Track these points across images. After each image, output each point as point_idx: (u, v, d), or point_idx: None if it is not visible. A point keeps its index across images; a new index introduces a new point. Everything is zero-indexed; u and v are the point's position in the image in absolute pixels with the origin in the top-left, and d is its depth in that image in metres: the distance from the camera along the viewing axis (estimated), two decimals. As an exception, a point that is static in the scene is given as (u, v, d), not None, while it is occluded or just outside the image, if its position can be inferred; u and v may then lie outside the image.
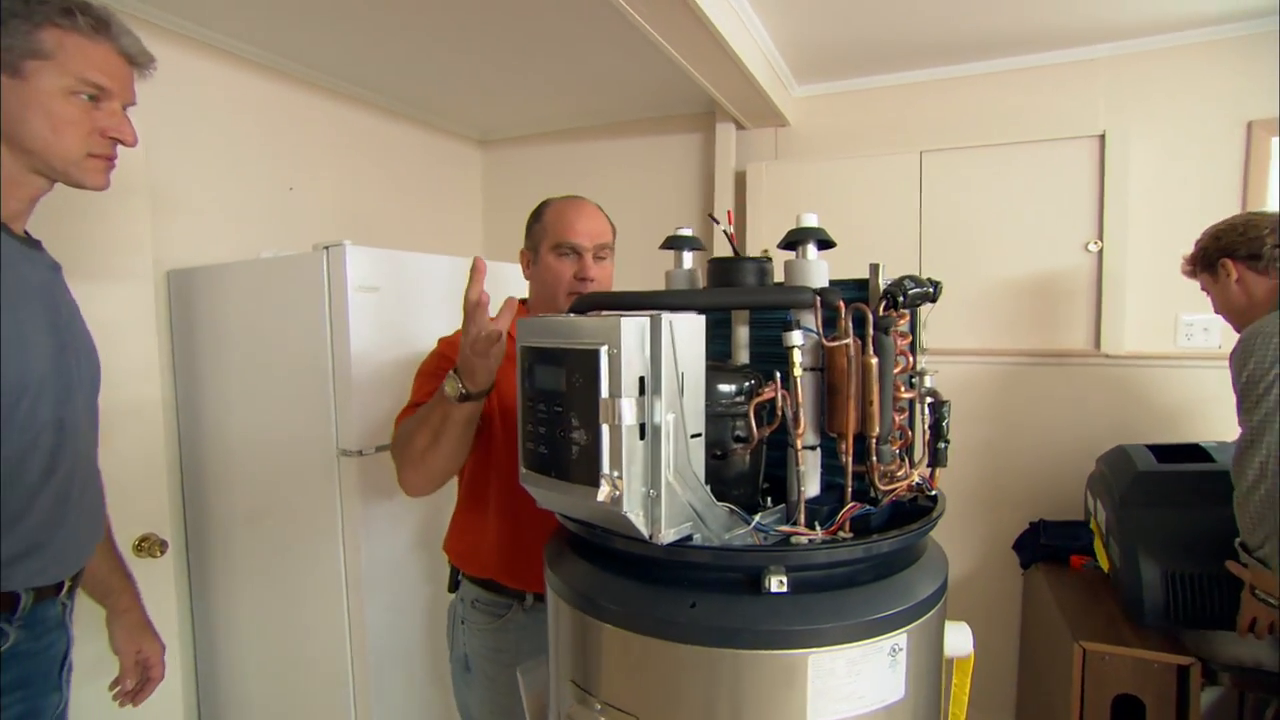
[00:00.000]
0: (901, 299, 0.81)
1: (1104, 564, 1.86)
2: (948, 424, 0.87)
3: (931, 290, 0.84)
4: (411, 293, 1.69)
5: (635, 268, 1.78)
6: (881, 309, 0.82)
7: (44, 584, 0.97)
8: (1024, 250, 2.23)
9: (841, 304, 0.81)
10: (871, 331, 0.79)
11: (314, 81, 2.36)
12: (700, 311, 0.82)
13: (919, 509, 0.87)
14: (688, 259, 0.99)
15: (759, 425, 0.79)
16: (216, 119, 2.06)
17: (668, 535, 0.72)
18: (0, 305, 0.91)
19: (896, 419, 0.88)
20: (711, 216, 0.93)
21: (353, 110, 2.53)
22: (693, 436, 0.74)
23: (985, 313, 2.28)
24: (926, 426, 0.89)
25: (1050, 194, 2.18)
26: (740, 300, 0.85)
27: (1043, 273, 2.21)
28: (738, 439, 0.80)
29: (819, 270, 0.87)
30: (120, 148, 1.01)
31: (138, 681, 1.23)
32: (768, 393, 0.78)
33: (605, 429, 0.70)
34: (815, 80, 2.47)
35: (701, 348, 0.75)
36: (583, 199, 1.38)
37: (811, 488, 0.88)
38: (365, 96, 2.54)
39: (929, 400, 0.89)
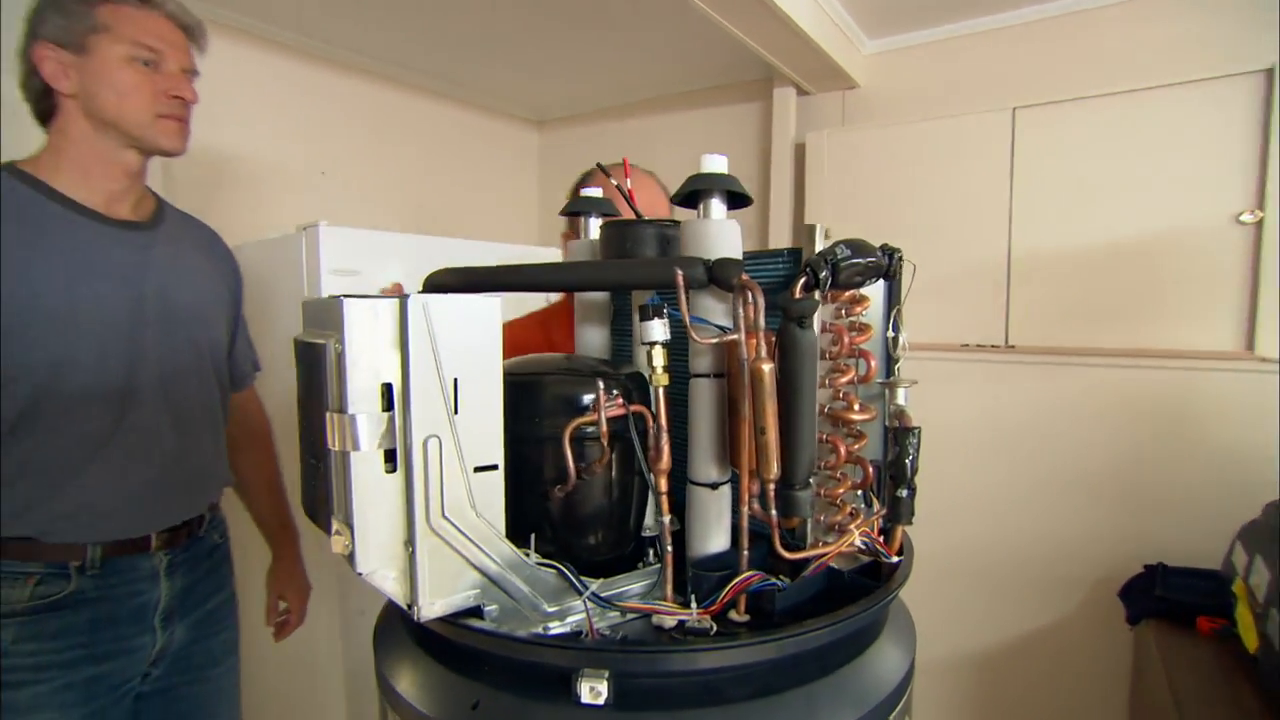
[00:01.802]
0: (826, 275, 0.53)
1: (1248, 640, 1.38)
2: (913, 461, 0.57)
3: (883, 263, 0.55)
4: (395, 276, 1.55)
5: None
6: (798, 289, 0.54)
7: (104, 540, 1.01)
8: (1147, 223, 1.74)
9: (746, 282, 0.54)
10: (760, 323, 0.51)
11: (364, 67, 2.29)
12: (548, 289, 0.58)
13: (860, 585, 0.58)
14: (594, 227, 0.75)
15: (585, 458, 0.55)
16: (268, 105, 2.03)
17: (433, 607, 0.50)
18: (51, 284, 0.95)
19: (843, 450, 0.60)
20: (600, 166, 0.72)
21: (405, 95, 2.45)
22: (479, 469, 0.51)
23: (1093, 302, 1.81)
24: (887, 464, 0.60)
25: (1187, 151, 1.69)
26: (594, 277, 0.60)
27: (1173, 252, 1.72)
28: (565, 476, 0.55)
29: (725, 235, 0.60)
30: None
31: (277, 622, 1.35)
32: (601, 412, 0.52)
33: (332, 456, 0.48)
34: (889, 33, 2.08)
35: (493, 342, 0.51)
36: (636, 169, 1.18)
37: (713, 541, 0.62)
38: (418, 81, 2.45)
39: (896, 425, 0.60)
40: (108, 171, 1.02)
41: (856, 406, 0.62)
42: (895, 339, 0.65)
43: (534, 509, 0.57)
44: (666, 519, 0.54)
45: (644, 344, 0.54)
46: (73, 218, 0.99)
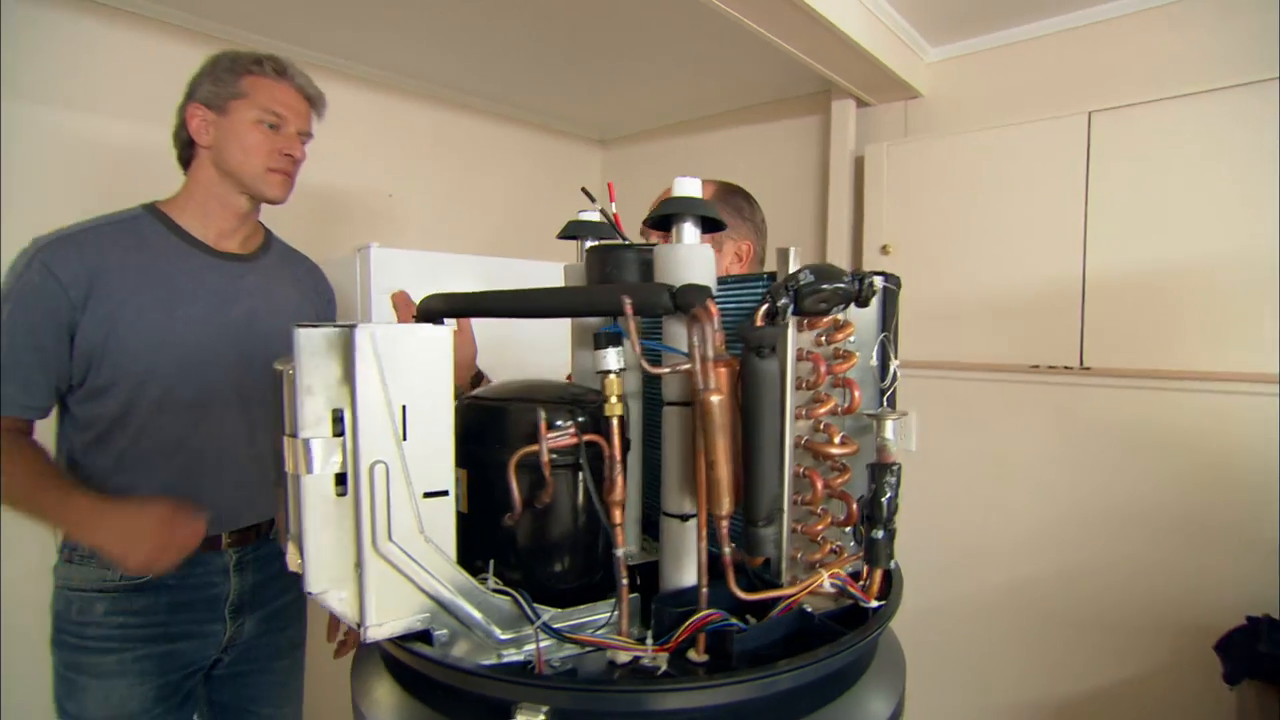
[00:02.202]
0: (786, 303, 0.51)
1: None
2: (890, 501, 0.53)
3: (851, 289, 0.51)
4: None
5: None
6: (759, 317, 0.51)
7: None
8: (1238, 234, 1.56)
9: (710, 309, 0.52)
10: (707, 353, 0.49)
11: (430, 94, 2.40)
12: (520, 316, 0.59)
13: (826, 629, 0.55)
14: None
15: (530, 486, 0.54)
16: (342, 134, 2.16)
17: (380, 629, 0.50)
18: (155, 304, 1.10)
19: (819, 485, 0.57)
20: (585, 191, 0.71)
21: (470, 118, 2.55)
22: (428, 495, 0.51)
23: (1180, 320, 1.64)
24: (863, 503, 0.56)
25: (1291, 156, 1.51)
26: (559, 303, 0.59)
27: (1269, 265, 1.54)
28: (529, 503, 0.55)
29: (696, 260, 0.58)
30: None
31: (338, 640, 1.37)
32: (543, 442, 0.52)
33: (288, 478, 0.50)
34: (952, 39, 1.99)
35: (443, 371, 0.51)
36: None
37: (685, 575, 0.60)
38: (482, 105, 2.55)
39: (874, 461, 0.56)
40: (222, 213, 1.20)
41: (838, 439, 0.58)
42: (884, 368, 0.61)
43: (494, 534, 0.57)
44: (619, 551, 0.52)
45: (598, 373, 0.53)
46: (186, 249, 1.16)
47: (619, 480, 0.52)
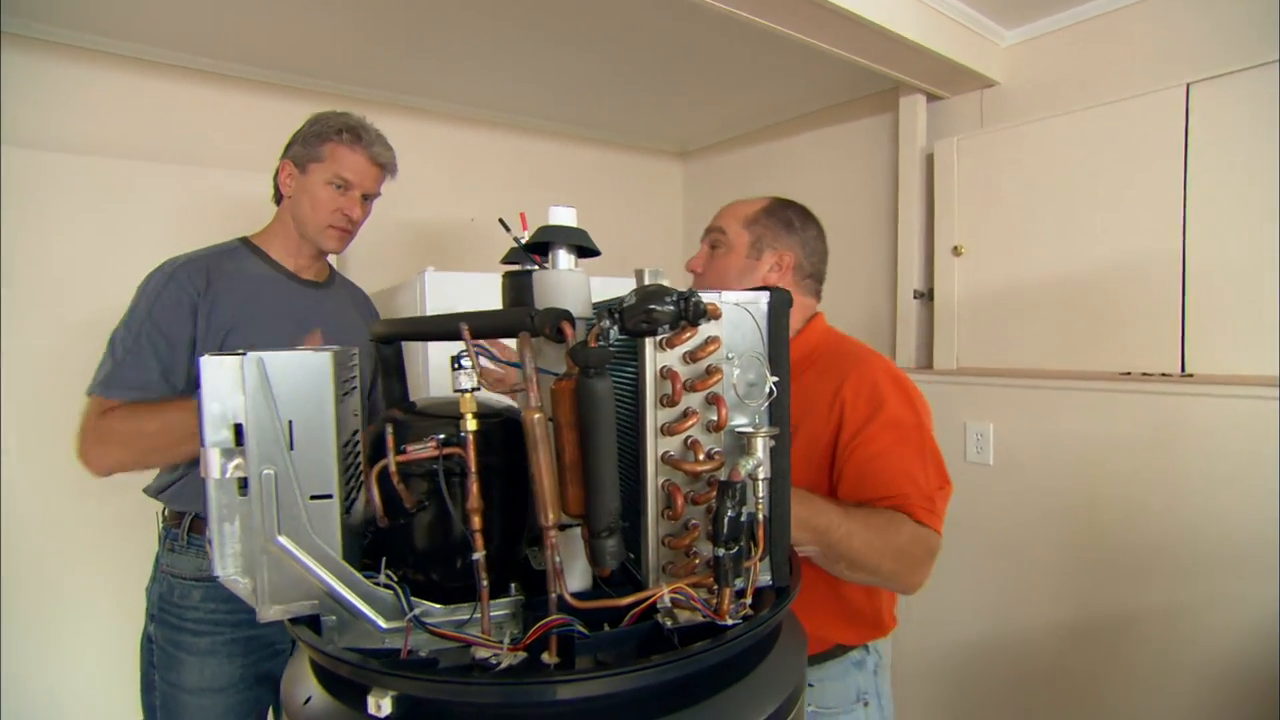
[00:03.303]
0: (608, 324, 0.53)
1: None
2: (733, 520, 0.54)
3: (666, 311, 0.53)
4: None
5: (835, 259, 1.42)
6: (592, 337, 0.54)
7: None
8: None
9: (566, 331, 0.56)
10: (529, 372, 0.52)
11: (514, 123, 2.58)
12: (422, 339, 0.66)
13: (668, 641, 0.55)
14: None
15: (413, 494, 0.59)
16: (428, 167, 2.39)
17: (270, 611, 0.58)
18: (256, 317, 1.27)
19: (679, 499, 0.59)
20: (501, 221, 0.72)
21: (550, 143, 2.70)
22: (315, 498, 0.59)
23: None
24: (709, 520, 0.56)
25: None
26: (448, 328, 0.65)
27: None
28: (397, 510, 0.61)
29: (569, 285, 0.62)
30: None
31: None
32: (390, 455, 0.57)
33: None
34: (1028, 20, 1.82)
35: (324, 390, 0.59)
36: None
37: (570, 580, 0.63)
38: (559, 128, 2.69)
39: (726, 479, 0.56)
40: (299, 250, 1.39)
41: (701, 455, 0.59)
42: (756, 384, 0.61)
43: (392, 536, 0.64)
44: (477, 556, 0.57)
45: (455, 391, 0.58)
46: (276, 275, 1.36)
47: (473, 490, 0.57)
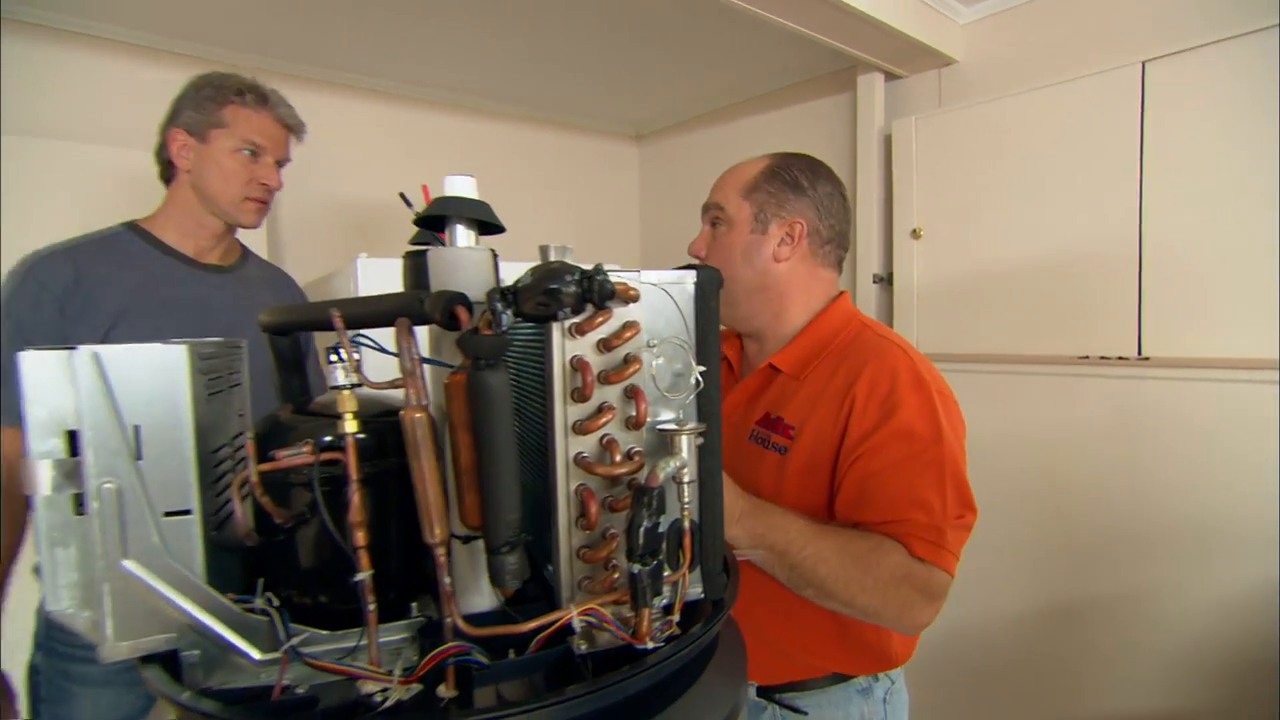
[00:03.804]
0: (500, 308, 0.46)
1: None
2: (649, 531, 0.47)
3: (570, 290, 0.46)
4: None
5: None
6: (483, 324, 0.47)
7: None
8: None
9: (461, 317, 0.49)
10: (407, 364, 0.45)
11: (457, 103, 2.47)
12: (311, 329, 0.58)
13: (578, 671, 0.49)
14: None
15: (283, 506, 0.52)
16: (373, 150, 2.27)
17: (119, 648, 0.50)
18: (143, 310, 1.15)
19: (593, 507, 0.52)
20: (401, 196, 0.67)
21: (499, 124, 2.60)
22: (169, 514, 0.51)
23: (1258, 299, 1.39)
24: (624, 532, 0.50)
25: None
26: (319, 318, 0.57)
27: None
28: (271, 526, 0.53)
29: (467, 265, 0.55)
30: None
31: None
32: (252, 462, 0.50)
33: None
34: (987, -5, 1.79)
35: (178, 389, 0.51)
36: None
37: (471, 599, 0.57)
38: (514, 110, 2.59)
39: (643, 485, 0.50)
40: (199, 231, 1.26)
41: (618, 456, 0.53)
42: (683, 375, 0.54)
43: (269, 554, 0.56)
44: (361, 576, 0.50)
45: (330, 388, 0.50)
46: (169, 261, 1.23)
47: (354, 500, 0.49)
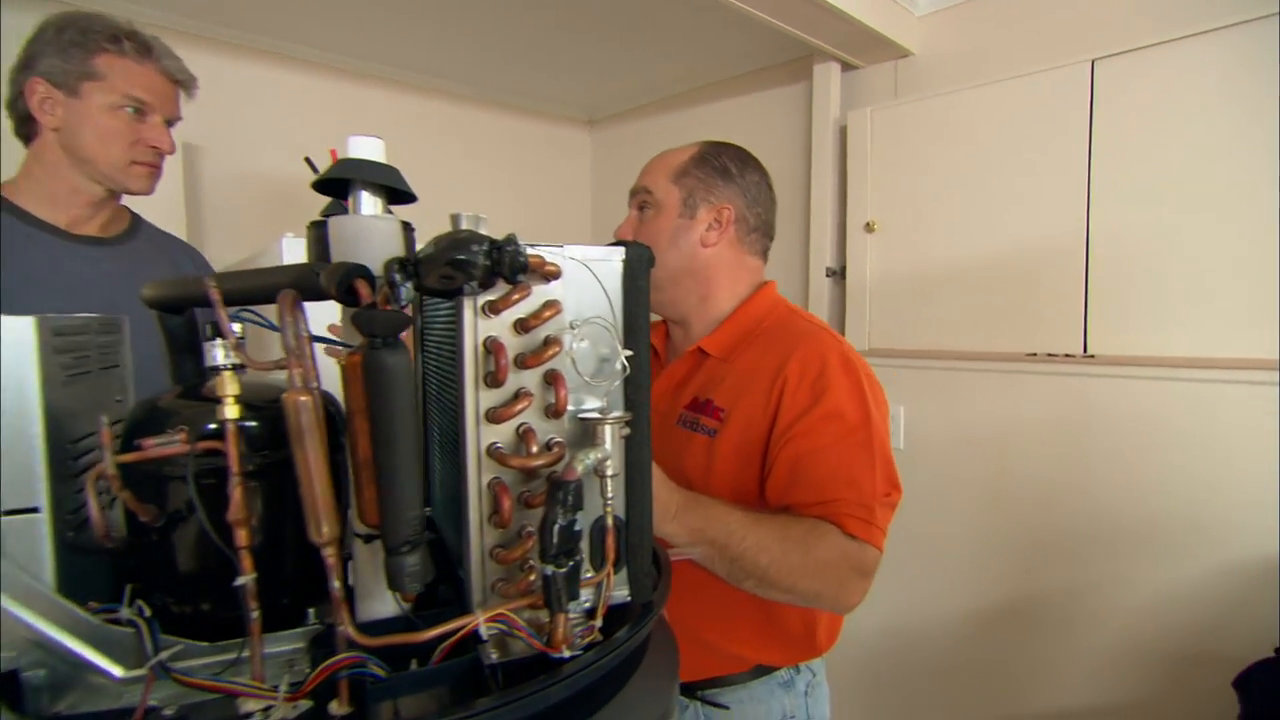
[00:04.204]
0: (406, 276, 0.42)
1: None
2: (565, 529, 0.44)
3: (489, 260, 0.42)
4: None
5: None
6: (383, 297, 0.43)
7: None
8: (1269, 195, 1.36)
9: (283, 296, 0.45)
10: (291, 342, 0.41)
11: (411, 82, 2.38)
12: (199, 304, 0.53)
13: (487, 683, 0.46)
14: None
15: (153, 501, 0.47)
16: (314, 127, 2.16)
17: (-50, 668, 0.45)
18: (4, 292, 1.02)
19: (507, 503, 0.49)
20: (307, 161, 0.64)
21: (445, 104, 2.52)
22: (11, 513, 0.45)
23: (1202, 298, 1.44)
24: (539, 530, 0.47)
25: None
26: (229, 288, 0.52)
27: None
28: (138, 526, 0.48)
29: (377, 235, 0.51)
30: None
31: None
32: (107, 451, 0.45)
33: None
34: (944, -14, 1.81)
35: (23, 368, 0.45)
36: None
37: (374, 604, 0.53)
38: (464, 90, 2.52)
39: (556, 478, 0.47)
40: (73, 199, 1.12)
41: (535, 448, 0.49)
42: (608, 359, 0.51)
43: (139, 556, 0.51)
44: (243, 580, 0.45)
45: (209, 368, 0.46)
46: (34, 234, 1.08)
47: (235, 495, 0.45)
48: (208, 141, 1.91)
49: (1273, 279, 1.35)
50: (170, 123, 1.16)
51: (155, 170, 1.15)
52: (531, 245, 0.49)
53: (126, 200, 1.22)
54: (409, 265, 0.42)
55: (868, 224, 1.89)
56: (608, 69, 2.37)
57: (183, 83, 1.16)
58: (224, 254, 2.02)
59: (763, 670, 1.00)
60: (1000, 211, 1.67)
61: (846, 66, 2.03)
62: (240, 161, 2.01)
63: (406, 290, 0.42)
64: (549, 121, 2.81)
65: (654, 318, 1.15)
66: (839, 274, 2.00)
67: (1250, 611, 1.39)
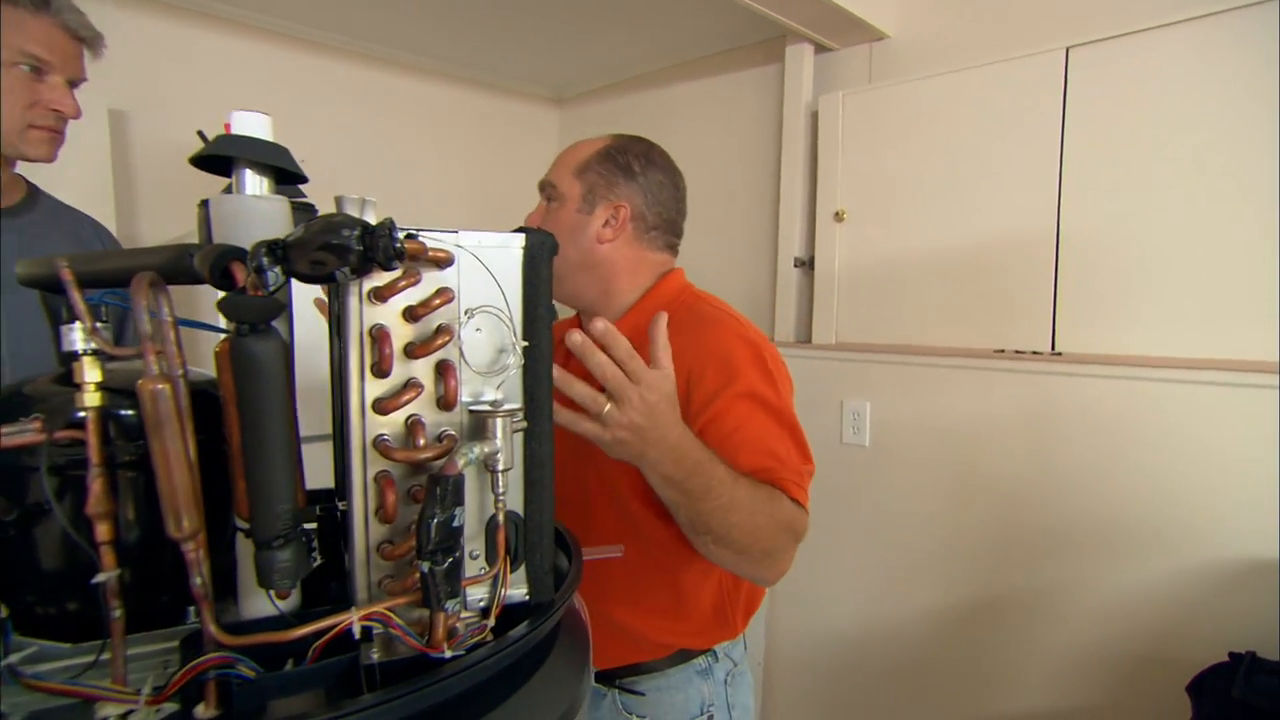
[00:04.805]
0: (274, 260, 0.42)
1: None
2: (442, 525, 0.45)
3: (362, 245, 0.42)
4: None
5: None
6: (251, 283, 0.43)
7: None
8: (1248, 190, 1.39)
9: (236, 275, 0.45)
10: (146, 328, 0.41)
11: (377, 55, 2.36)
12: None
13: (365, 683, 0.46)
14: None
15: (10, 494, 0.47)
16: (258, 97, 2.14)
17: None
18: None
19: (391, 497, 0.49)
20: (200, 134, 0.64)
21: (420, 81, 2.50)
22: None
23: (1171, 297, 1.47)
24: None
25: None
26: (88, 269, 0.51)
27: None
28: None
29: (261, 217, 0.51)
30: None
31: None
32: None
33: None
34: (921, -34, 1.82)
35: None
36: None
37: (252, 601, 0.53)
38: (431, 65, 2.50)
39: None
40: None
41: (422, 440, 0.50)
42: (505, 350, 0.52)
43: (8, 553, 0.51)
44: (104, 577, 0.45)
45: (64, 354, 0.46)
46: None
47: (95, 487, 0.45)
48: (140, 107, 1.87)
49: (1247, 277, 1.39)
50: (73, 83, 1.11)
51: (56, 135, 1.11)
52: (421, 230, 0.49)
53: (35, 172, 1.17)
54: (277, 249, 0.42)
55: (837, 213, 1.91)
56: (576, 45, 2.36)
57: (87, 40, 1.11)
58: (163, 228, 1.99)
59: (683, 656, 1.04)
60: (971, 202, 1.70)
61: (820, 49, 2.04)
62: (177, 131, 1.97)
63: (274, 275, 0.42)
64: (515, 99, 2.80)
65: (570, 311, 1.18)
66: (807, 264, 2.01)
67: (1206, 615, 1.43)
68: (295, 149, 1.69)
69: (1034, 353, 1.61)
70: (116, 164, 1.79)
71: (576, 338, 0.73)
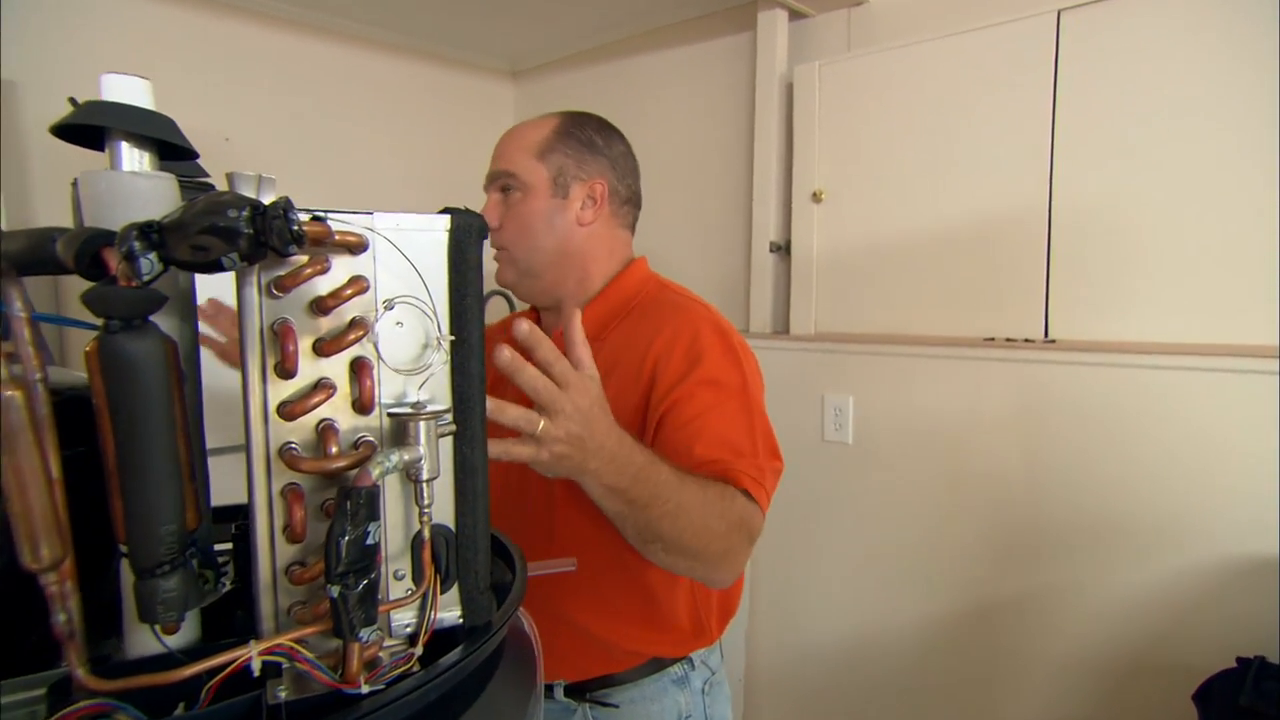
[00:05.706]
0: (148, 246, 0.39)
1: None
2: (355, 544, 0.42)
3: (252, 227, 0.40)
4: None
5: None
6: (123, 273, 0.40)
7: None
8: (1247, 161, 1.41)
9: (110, 263, 0.42)
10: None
11: (296, 20, 2.29)
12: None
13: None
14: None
15: None
16: (177, 68, 2.07)
17: None
18: None
19: (299, 513, 0.46)
20: (71, 100, 0.61)
21: (356, 51, 2.45)
22: None
23: (1171, 279, 1.49)
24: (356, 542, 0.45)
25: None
26: None
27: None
28: None
29: (139, 197, 0.48)
30: None
31: None
32: None
33: None
34: (900, -76, 1.83)
35: None
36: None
37: (140, 637, 0.50)
38: (376, 35, 2.44)
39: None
40: None
41: (334, 448, 0.47)
42: (428, 345, 0.50)
43: None
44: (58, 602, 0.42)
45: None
46: None
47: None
48: (30, 77, 1.79)
49: (1252, 256, 1.41)
50: None
51: None
52: (330, 211, 0.46)
53: None
54: (151, 232, 0.39)
55: (815, 193, 1.90)
56: (531, 10, 2.32)
57: None
58: (63, 213, 1.92)
59: (657, 665, 1.05)
60: (958, 180, 1.70)
61: (795, 15, 2.03)
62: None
63: (148, 262, 0.39)
64: (468, 72, 2.76)
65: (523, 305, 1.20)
66: (784, 249, 2.01)
67: (1210, 617, 1.45)
68: (222, 126, 1.68)
69: (1026, 341, 1.63)
70: (6, 138, 1.72)
71: (524, 327, 0.71)
